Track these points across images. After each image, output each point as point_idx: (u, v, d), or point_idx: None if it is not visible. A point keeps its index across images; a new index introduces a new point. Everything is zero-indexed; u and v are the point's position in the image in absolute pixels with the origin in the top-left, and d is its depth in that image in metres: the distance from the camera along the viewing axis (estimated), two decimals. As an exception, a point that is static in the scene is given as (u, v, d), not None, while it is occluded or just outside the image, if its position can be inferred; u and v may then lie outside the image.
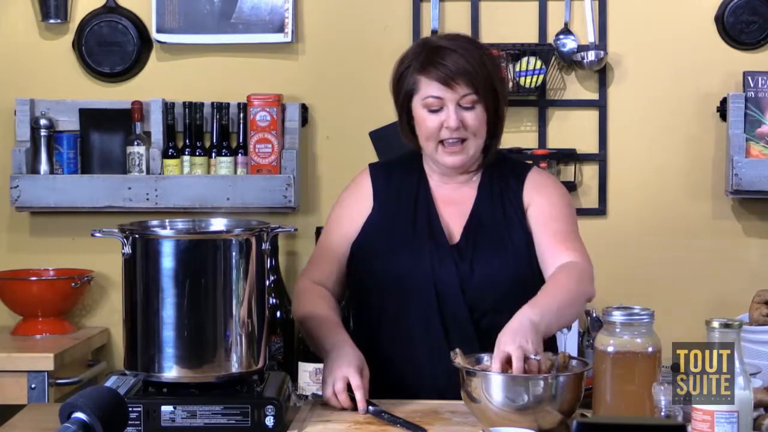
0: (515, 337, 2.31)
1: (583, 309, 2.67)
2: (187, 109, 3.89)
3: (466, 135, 2.65)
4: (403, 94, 2.69)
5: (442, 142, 2.66)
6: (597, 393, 2.25)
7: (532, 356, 2.30)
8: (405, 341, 2.66)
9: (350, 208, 2.78)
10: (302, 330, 2.73)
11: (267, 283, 2.44)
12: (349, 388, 2.47)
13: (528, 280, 2.66)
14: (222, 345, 2.31)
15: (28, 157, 3.88)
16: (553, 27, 3.94)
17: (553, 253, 2.64)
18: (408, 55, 2.71)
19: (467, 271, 2.64)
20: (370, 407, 2.43)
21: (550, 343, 3.84)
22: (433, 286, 2.64)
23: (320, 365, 3.14)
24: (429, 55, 2.64)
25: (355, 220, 2.76)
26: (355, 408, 2.44)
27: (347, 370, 2.48)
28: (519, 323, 2.36)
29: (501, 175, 2.75)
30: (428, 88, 2.63)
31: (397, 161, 2.85)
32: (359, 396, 2.44)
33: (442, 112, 2.63)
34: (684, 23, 3.93)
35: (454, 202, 2.73)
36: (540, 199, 2.71)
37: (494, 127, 2.70)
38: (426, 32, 3.91)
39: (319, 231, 3.80)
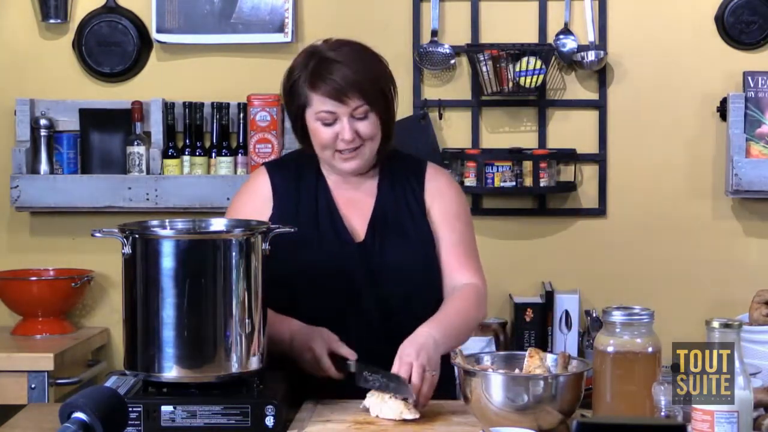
0: (420, 352, 2.44)
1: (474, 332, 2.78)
2: (187, 109, 3.89)
3: (361, 143, 2.67)
4: (295, 106, 2.69)
5: (338, 150, 2.68)
6: (597, 393, 2.25)
7: (430, 372, 2.44)
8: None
9: (250, 214, 2.70)
10: None
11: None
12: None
13: (435, 269, 2.71)
14: (222, 345, 2.31)
15: (28, 157, 3.88)
16: (553, 27, 3.94)
17: (453, 268, 2.72)
18: (297, 65, 2.69)
19: (377, 266, 2.67)
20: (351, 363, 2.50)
21: (542, 344, 3.84)
22: (340, 284, 2.64)
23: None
24: (317, 69, 2.64)
25: None
26: (340, 371, 2.51)
27: (322, 342, 2.53)
28: (424, 338, 2.48)
29: (399, 173, 2.78)
30: (320, 104, 2.64)
31: (293, 160, 2.84)
32: (346, 350, 2.52)
33: (336, 125, 2.65)
34: (684, 23, 3.93)
35: (355, 202, 2.75)
36: (441, 204, 2.76)
37: (387, 129, 2.72)
38: (426, 32, 3.91)
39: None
